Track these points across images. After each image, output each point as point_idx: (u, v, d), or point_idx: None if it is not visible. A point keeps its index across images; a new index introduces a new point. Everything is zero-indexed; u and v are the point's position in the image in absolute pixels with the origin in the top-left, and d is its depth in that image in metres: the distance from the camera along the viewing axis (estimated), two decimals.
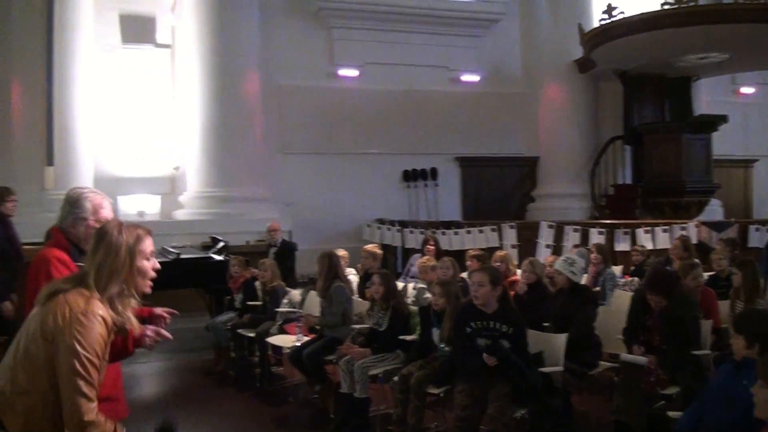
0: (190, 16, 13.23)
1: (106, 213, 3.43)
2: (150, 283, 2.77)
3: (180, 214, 13.22)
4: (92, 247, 2.68)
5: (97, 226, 3.26)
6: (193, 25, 13.20)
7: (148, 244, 2.75)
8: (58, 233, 3.40)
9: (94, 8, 13.10)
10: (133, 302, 2.74)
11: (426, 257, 8.36)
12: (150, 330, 3.10)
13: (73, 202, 3.40)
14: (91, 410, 2.46)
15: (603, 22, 12.93)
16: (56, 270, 3.22)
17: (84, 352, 2.45)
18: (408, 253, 12.09)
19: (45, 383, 2.48)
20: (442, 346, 5.41)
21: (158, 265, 2.79)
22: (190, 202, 13.24)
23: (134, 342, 3.09)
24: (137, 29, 13.77)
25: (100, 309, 2.54)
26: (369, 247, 8.60)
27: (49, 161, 11.94)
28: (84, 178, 12.43)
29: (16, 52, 12.37)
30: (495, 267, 6.50)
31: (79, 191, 3.48)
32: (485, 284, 4.90)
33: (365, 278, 7.95)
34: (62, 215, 3.43)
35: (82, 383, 2.44)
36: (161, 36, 13.97)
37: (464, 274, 7.36)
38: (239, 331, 7.65)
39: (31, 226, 7.20)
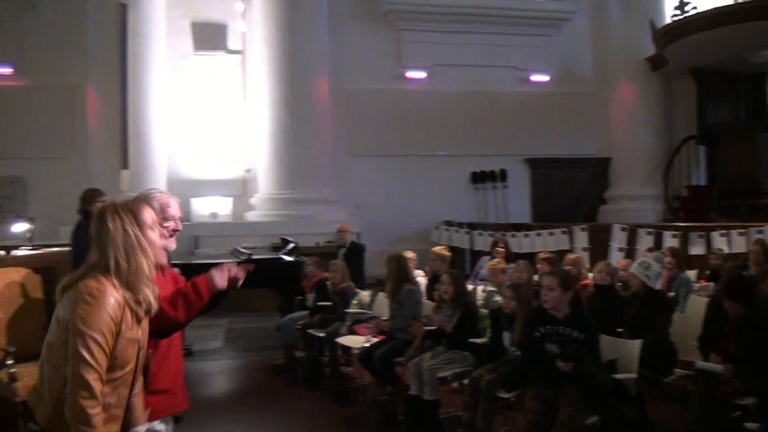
0: (261, 22, 13.50)
1: (173, 211, 3.48)
2: (165, 252, 2.79)
3: (251, 216, 13.48)
4: (95, 231, 2.64)
5: (165, 224, 3.38)
6: (263, 30, 13.46)
7: (148, 216, 2.74)
8: None
9: (167, 17, 13.49)
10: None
11: (496, 260, 8.29)
12: (216, 273, 3.17)
13: (155, 200, 3.42)
14: (87, 398, 2.41)
15: (675, 18, 12.66)
16: None
17: (88, 331, 2.42)
18: (476, 255, 12.05)
19: (65, 372, 2.47)
20: (512, 349, 5.39)
21: (181, 227, 2.78)
22: (261, 203, 13.48)
23: (207, 287, 3.14)
24: (209, 36, 14.11)
25: (111, 290, 2.51)
26: (438, 249, 8.57)
27: (124, 164, 12.30)
28: (158, 181, 12.82)
29: (91, 60, 12.88)
30: (566, 270, 6.43)
31: (147, 192, 3.54)
32: (555, 288, 4.83)
33: (434, 280, 7.94)
34: None
35: (83, 366, 2.40)
36: (232, 42, 14.26)
37: (535, 277, 7.30)
38: (309, 331, 7.73)
39: None
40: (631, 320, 5.62)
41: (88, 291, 2.48)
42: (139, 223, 2.66)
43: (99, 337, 2.43)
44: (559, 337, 4.82)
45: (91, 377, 2.41)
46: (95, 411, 2.41)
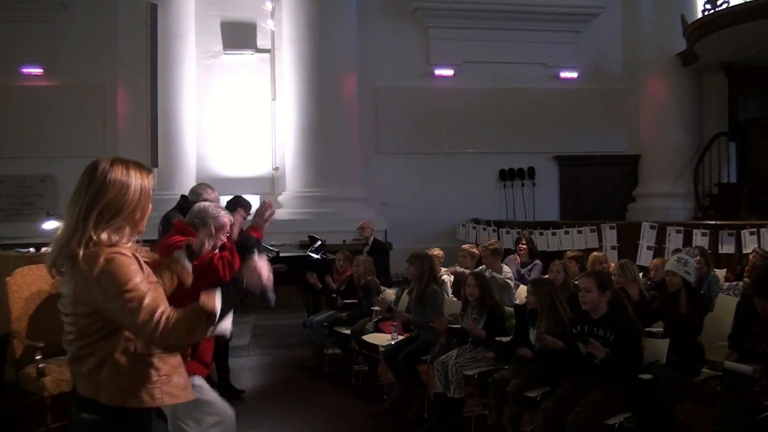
0: (289, 21, 13.58)
1: (228, 230, 4.05)
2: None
3: (279, 214, 13.51)
4: (84, 184, 2.50)
5: (225, 240, 4.01)
6: (292, 29, 13.53)
7: (152, 185, 2.61)
8: (189, 228, 3.96)
9: (196, 17, 13.60)
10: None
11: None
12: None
13: (213, 218, 3.98)
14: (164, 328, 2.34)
15: (707, 13, 12.50)
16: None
17: (127, 292, 2.35)
18: (504, 253, 11.98)
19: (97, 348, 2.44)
20: (537, 345, 5.35)
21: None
22: (289, 201, 13.54)
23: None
24: (238, 35, 14.20)
25: (119, 251, 2.40)
26: (466, 246, 8.57)
27: (154, 163, 12.39)
28: (187, 179, 12.93)
29: (121, 60, 13.04)
30: (603, 271, 6.38)
31: (218, 209, 4.08)
32: (592, 289, 4.82)
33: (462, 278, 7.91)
34: (196, 222, 3.99)
35: (142, 316, 2.34)
36: (261, 41, 14.33)
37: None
38: (336, 328, 7.76)
39: None
40: (668, 319, 5.53)
41: (101, 263, 2.36)
42: (150, 190, 2.58)
43: (140, 289, 2.35)
44: (592, 337, 4.78)
45: (156, 315, 2.33)
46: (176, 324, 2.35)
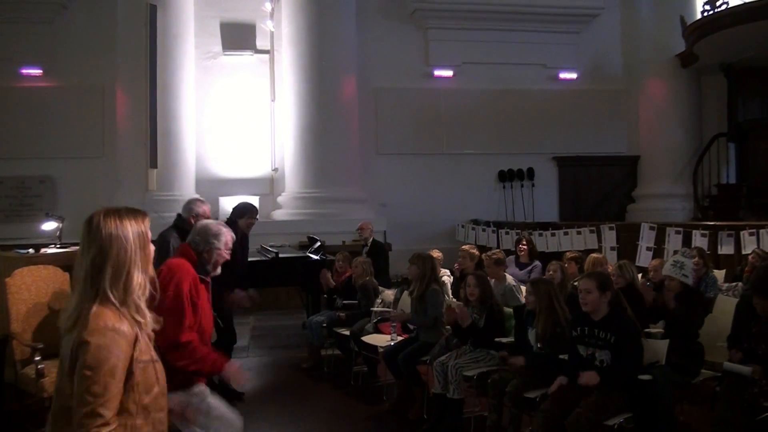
0: (289, 22, 13.57)
1: (230, 244, 4.09)
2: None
3: (278, 215, 13.54)
4: (85, 243, 2.41)
5: (227, 257, 4.04)
6: (291, 30, 13.52)
7: (146, 226, 2.53)
8: (190, 250, 3.99)
9: (196, 17, 13.59)
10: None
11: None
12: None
13: (215, 235, 4.00)
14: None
15: (706, 14, 12.51)
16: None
17: (95, 381, 2.25)
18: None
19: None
20: (538, 346, 5.35)
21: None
22: (288, 202, 13.54)
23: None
24: (237, 36, 14.19)
25: (118, 324, 2.33)
26: (466, 247, 8.57)
27: (153, 164, 12.37)
28: (186, 180, 12.93)
29: (121, 61, 13.02)
30: (604, 272, 6.38)
31: (220, 227, 4.09)
32: (592, 290, 4.81)
33: (462, 278, 7.89)
34: (197, 240, 4.01)
35: (91, 421, 2.24)
36: (260, 42, 14.32)
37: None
38: (335, 329, 7.76)
39: None
40: (669, 320, 5.54)
41: (92, 335, 2.28)
42: (147, 234, 2.51)
43: (107, 392, 2.27)
44: (592, 339, 4.79)
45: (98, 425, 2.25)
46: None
